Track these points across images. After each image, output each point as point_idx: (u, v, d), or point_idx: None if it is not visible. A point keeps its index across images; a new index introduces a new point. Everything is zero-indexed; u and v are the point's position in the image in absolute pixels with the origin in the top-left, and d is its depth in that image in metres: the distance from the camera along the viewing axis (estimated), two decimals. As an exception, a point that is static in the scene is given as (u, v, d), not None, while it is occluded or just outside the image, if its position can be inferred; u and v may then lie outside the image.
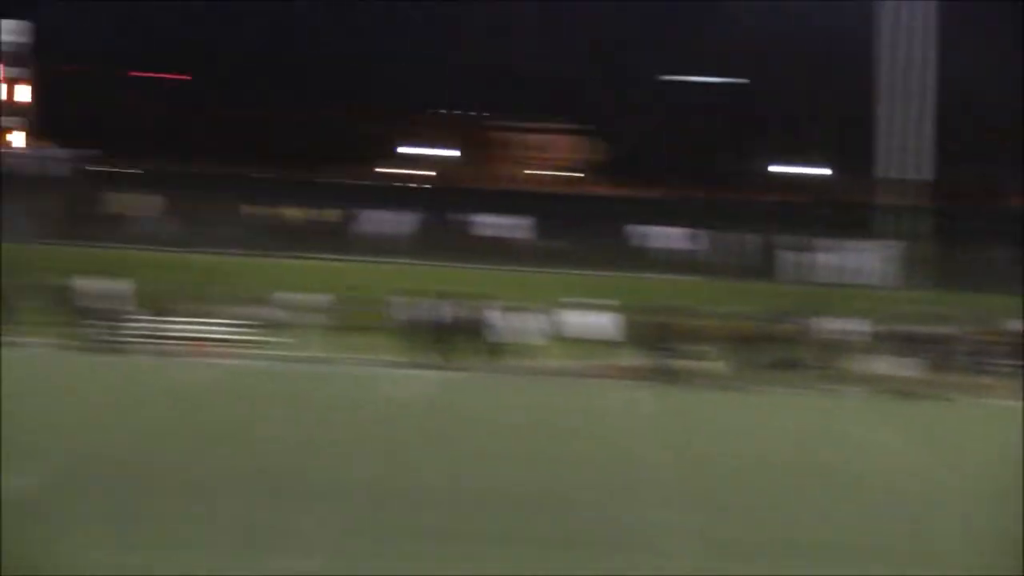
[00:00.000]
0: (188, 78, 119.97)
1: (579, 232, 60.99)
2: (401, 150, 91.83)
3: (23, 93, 58.03)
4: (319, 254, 60.44)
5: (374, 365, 41.61)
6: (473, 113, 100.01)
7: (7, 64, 57.78)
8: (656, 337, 39.13)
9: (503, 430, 28.58)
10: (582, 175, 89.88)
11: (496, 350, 42.24)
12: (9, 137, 57.80)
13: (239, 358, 44.27)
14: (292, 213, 62.97)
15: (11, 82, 57.79)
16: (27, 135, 58.06)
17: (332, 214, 62.63)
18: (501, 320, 42.82)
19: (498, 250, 59.41)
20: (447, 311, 45.30)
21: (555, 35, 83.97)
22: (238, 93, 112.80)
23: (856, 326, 38.17)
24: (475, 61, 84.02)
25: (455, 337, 44.82)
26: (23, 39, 57.74)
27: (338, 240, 61.17)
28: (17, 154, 59.30)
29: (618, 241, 60.90)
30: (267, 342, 46.09)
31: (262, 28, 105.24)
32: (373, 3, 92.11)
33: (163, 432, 26.39)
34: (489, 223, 60.44)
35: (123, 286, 47.29)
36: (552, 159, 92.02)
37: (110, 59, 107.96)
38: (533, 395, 35.36)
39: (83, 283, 47.54)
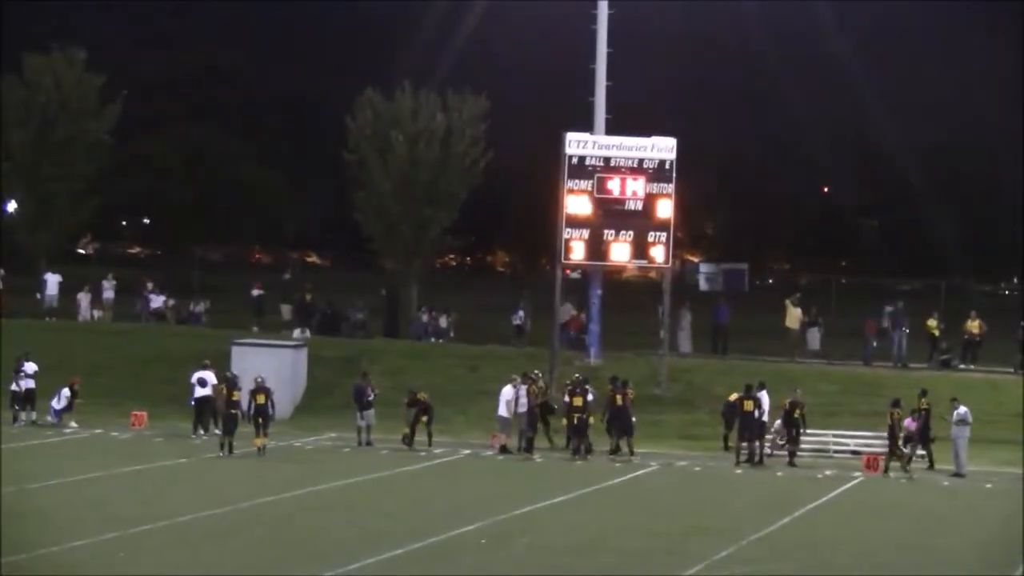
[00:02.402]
0: (825, 190, 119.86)
1: None
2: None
3: (666, 208, 59.22)
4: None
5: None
6: None
7: (651, 180, 58.99)
8: None
9: None
10: None
11: None
12: (653, 252, 59.03)
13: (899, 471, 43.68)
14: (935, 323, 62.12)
15: (654, 197, 59.01)
16: (669, 250, 59.17)
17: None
18: None
19: None
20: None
21: None
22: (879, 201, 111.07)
23: None
24: None
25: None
26: (668, 155, 58.95)
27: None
28: (667, 268, 60.52)
29: None
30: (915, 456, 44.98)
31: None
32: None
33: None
34: None
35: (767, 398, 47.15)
36: None
37: (748, 171, 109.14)
38: None
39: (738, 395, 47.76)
